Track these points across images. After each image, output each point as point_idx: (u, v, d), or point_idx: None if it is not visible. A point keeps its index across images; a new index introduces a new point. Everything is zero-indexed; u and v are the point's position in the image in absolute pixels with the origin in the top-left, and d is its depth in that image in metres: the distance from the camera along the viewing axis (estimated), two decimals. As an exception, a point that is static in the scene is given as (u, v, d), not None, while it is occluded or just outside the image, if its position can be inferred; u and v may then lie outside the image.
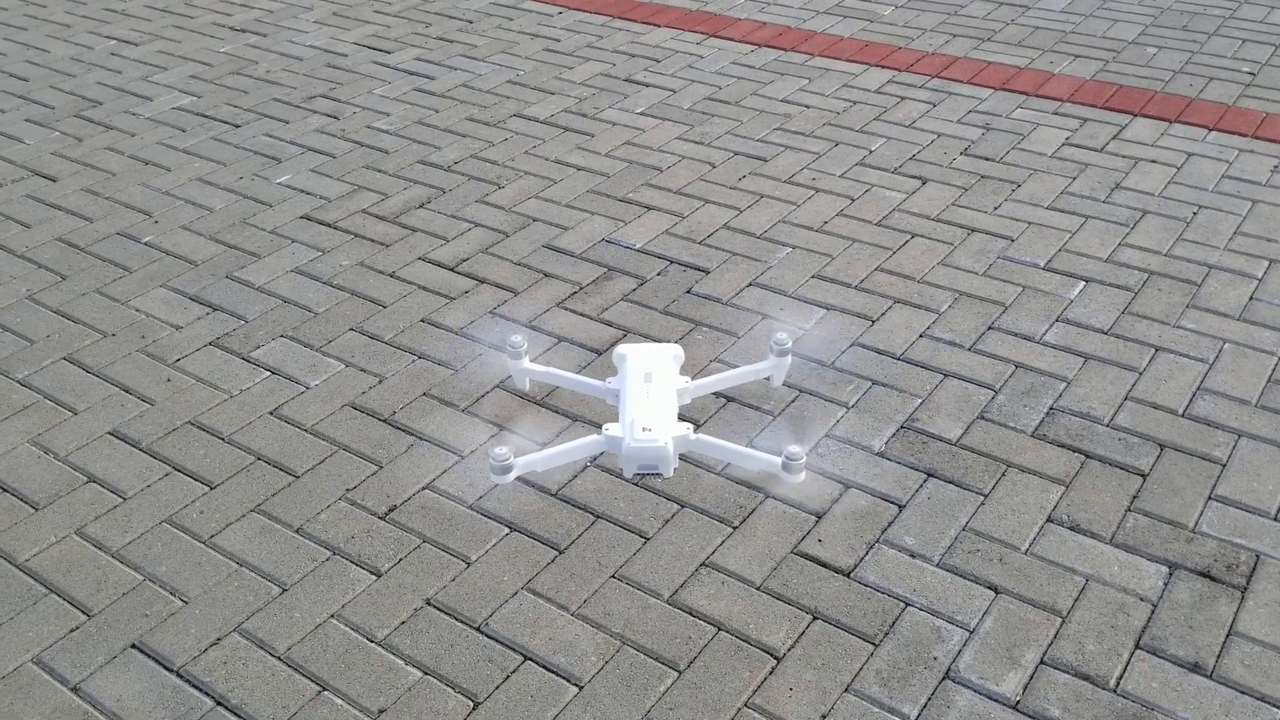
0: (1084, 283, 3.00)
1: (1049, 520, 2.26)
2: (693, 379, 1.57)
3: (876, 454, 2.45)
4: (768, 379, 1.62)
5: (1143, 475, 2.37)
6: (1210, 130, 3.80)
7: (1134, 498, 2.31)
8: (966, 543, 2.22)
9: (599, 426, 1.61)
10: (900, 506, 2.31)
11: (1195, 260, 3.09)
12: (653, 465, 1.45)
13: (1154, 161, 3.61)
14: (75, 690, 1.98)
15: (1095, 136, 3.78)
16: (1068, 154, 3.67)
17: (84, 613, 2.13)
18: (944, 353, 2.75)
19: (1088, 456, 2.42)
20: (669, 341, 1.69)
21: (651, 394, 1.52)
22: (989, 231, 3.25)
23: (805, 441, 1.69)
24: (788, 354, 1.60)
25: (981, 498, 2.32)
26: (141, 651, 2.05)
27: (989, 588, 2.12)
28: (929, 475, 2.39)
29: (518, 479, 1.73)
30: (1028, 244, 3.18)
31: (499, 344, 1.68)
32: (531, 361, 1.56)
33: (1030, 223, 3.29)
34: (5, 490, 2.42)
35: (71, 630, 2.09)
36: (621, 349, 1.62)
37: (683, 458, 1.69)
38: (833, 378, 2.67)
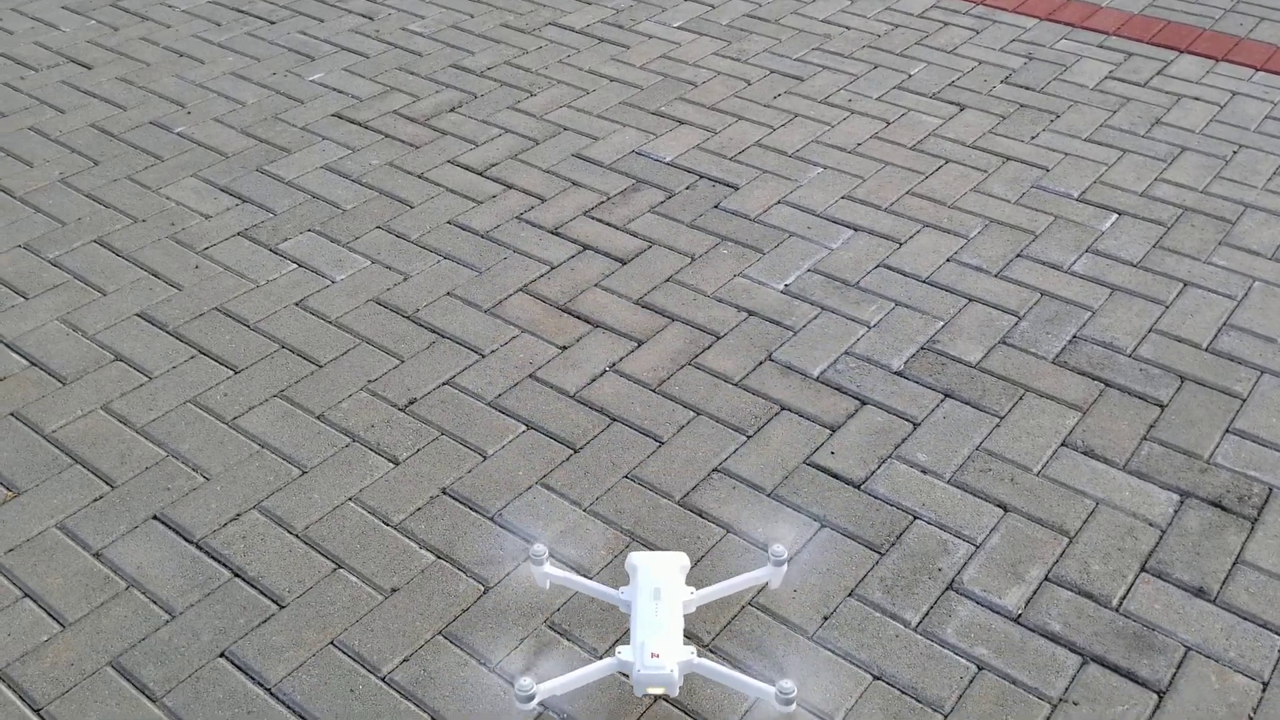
0: (1117, 215, 2.97)
1: (1063, 444, 2.27)
2: (696, 590, 1.82)
3: (895, 373, 2.45)
4: (767, 583, 1.81)
5: (1161, 406, 2.36)
6: (1257, 70, 3.72)
7: (1150, 427, 2.31)
8: (979, 462, 2.23)
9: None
10: (915, 424, 2.32)
11: (1231, 199, 3.04)
12: (660, 687, 1.66)
13: (1197, 99, 3.54)
14: (97, 556, 2.03)
15: (1139, 71, 3.71)
16: (1110, 87, 3.61)
17: (108, 483, 2.18)
18: (970, 278, 2.74)
19: (1107, 385, 2.41)
20: (675, 550, 1.95)
21: (660, 612, 1.68)
22: (1024, 160, 3.21)
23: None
24: (784, 564, 1.75)
25: (997, 420, 2.32)
26: (162, 523, 2.10)
27: (998, 506, 2.13)
28: (946, 395, 2.39)
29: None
30: (1062, 175, 3.14)
31: (523, 549, 1.89)
32: (552, 563, 1.80)
33: (1066, 154, 3.24)
34: (34, 364, 2.47)
35: (95, 499, 2.14)
36: (633, 559, 1.76)
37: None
38: (856, 297, 2.67)
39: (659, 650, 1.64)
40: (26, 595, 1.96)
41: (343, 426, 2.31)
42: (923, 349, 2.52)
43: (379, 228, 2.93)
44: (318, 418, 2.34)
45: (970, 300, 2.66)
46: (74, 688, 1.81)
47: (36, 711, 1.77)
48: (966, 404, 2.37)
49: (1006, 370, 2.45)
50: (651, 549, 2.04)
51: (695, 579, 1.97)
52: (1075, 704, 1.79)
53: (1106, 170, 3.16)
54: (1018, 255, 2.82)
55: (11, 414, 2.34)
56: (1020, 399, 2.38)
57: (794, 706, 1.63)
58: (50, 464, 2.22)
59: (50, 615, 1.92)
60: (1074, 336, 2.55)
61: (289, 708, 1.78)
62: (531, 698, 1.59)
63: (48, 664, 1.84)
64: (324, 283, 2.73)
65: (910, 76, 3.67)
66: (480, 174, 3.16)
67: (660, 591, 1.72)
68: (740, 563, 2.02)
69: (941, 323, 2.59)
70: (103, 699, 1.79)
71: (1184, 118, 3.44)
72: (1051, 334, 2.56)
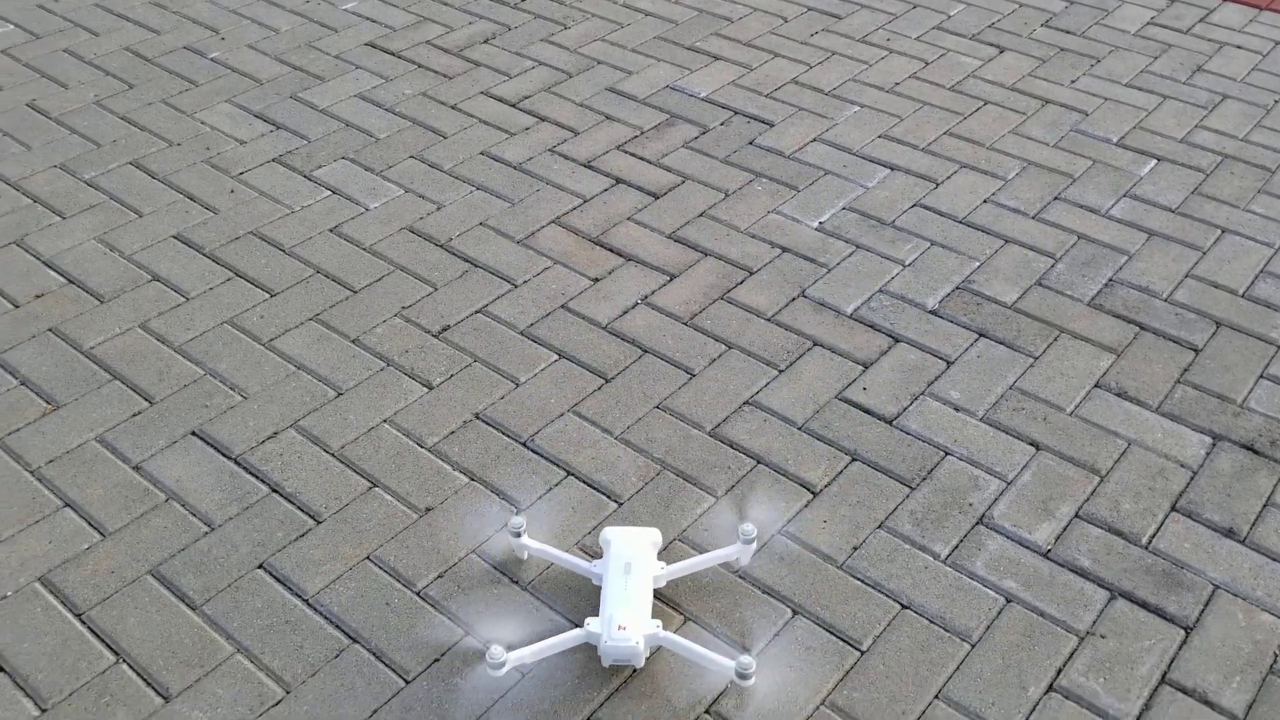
0: (1156, 161, 2.94)
1: (1097, 386, 2.26)
2: (667, 564, 1.83)
3: (929, 311, 2.44)
4: (735, 560, 1.81)
5: (1196, 350, 2.35)
6: (1305, 19, 3.65)
7: (1184, 371, 2.30)
8: (1012, 401, 2.23)
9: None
10: (948, 363, 2.32)
11: (1272, 147, 3.00)
12: (626, 660, 1.71)
13: (1240, 47, 3.48)
14: (137, 469, 2.06)
15: (1181, 18, 3.65)
16: (1151, 33, 3.55)
17: (146, 399, 2.20)
18: (1007, 219, 2.72)
19: (1142, 329, 2.40)
20: (649, 526, 1.98)
21: (629, 587, 1.73)
22: (1064, 104, 3.17)
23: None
24: (753, 543, 1.77)
25: (1031, 360, 2.32)
26: (201, 439, 2.12)
27: (1030, 444, 2.14)
28: (980, 335, 2.38)
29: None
30: (1102, 119, 3.10)
31: (502, 523, 1.92)
32: (529, 536, 1.90)
33: (1106, 98, 3.20)
34: (72, 282, 2.48)
35: (134, 415, 2.17)
36: (607, 533, 1.78)
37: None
38: (891, 235, 2.66)
39: (626, 623, 1.67)
40: (67, 505, 1.99)
41: (377, 351, 2.33)
42: (958, 288, 2.51)
43: (412, 157, 2.92)
44: (352, 341, 2.35)
45: (1007, 241, 2.65)
46: (115, 594, 1.84)
47: (79, 616, 1.81)
48: (1000, 344, 2.36)
49: (1042, 311, 2.44)
50: (682, 479, 2.06)
51: (719, 514, 1.99)
52: (1103, 637, 1.80)
53: (1146, 116, 3.12)
54: (1055, 198, 2.79)
55: (50, 330, 2.36)
56: (1055, 340, 2.37)
57: (752, 681, 1.66)
58: (89, 379, 2.25)
59: (90, 525, 1.96)
60: (1110, 280, 2.53)
61: (326, 618, 1.81)
62: (502, 665, 1.63)
63: (89, 571, 1.88)
64: (358, 210, 2.73)
65: (950, 17, 3.62)
66: (513, 106, 3.14)
67: (631, 566, 1.75)
68: (770, 493, 2.03)
69: (977, 263, 2.58)
70: (143, 605, 1.82)
71: (1225, 66, 3.38)
72: (1088, 277, 2.54)
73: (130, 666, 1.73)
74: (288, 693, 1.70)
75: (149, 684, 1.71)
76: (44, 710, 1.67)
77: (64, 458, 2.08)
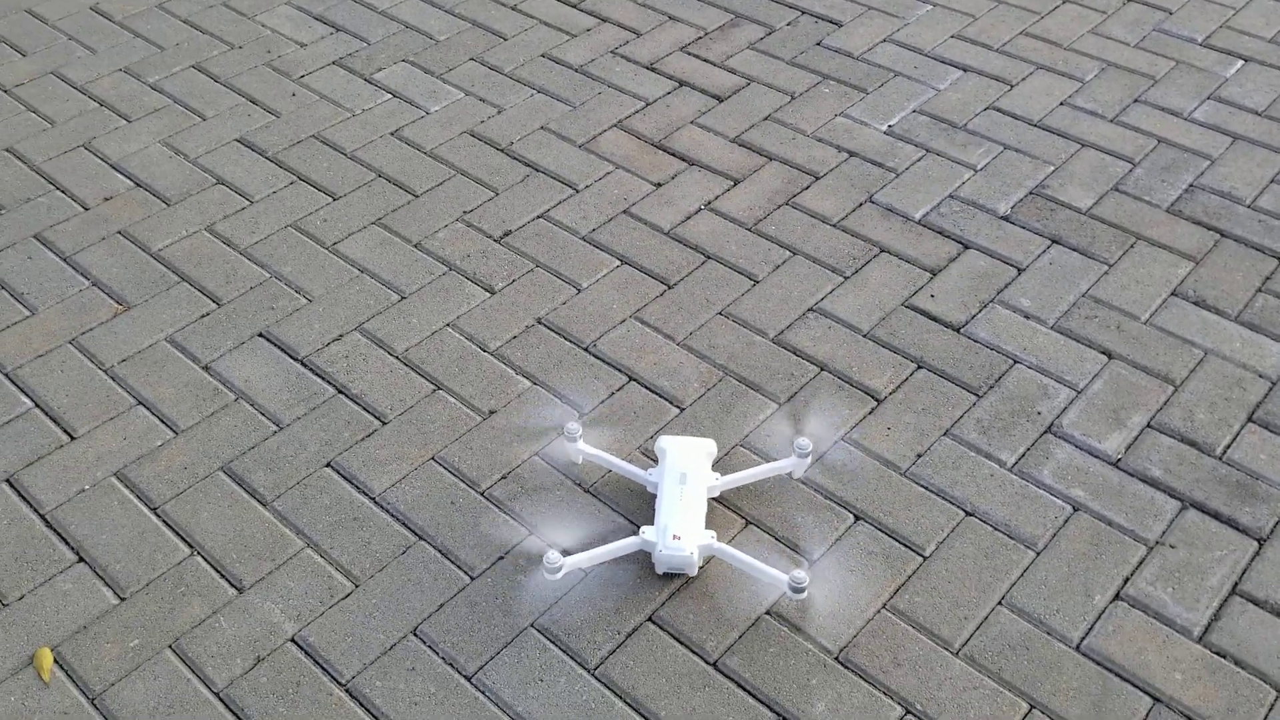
0: (1243, 62, 2.81)
1: (1173, 294, 2.20)
2: (721, 475, 1.83)
3: (1001, 217, 2.38)
4: (790, 473, 1.76)
5: (1279, 258, 2.27)
6: None
7: (1266, 279, 2.22)
8: (1084, 308, 2.17)
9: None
10: (1020, 270, 2.26)
11: (1371, 47, 2.86)
12: (679, 568, 1.71)
13: (1341, -60, 3.29)
14: (206, 368, 2.10)
15: (1278, -91, 3.45)
16: (1245, -74, 3.36)
17: (214, 301, 2.23)
18: (1084, 122, 2.63)
19: (1222, 235, 2.32)
20: (705, 437, 1.94)
21: (684, 496, 1.74)
22: (1146, 2, 3.03)
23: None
24: (808, 457, 1.75)
25: (1106, 267, 2.26)
26: (268, 340, 2.15)
27: (1102, 352, 2.09)
28: (1053, 241, 2.32)
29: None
30: (1187, 18, 2.96)
31: (559, 427, 1.92)
32: (585, 441, 1.90)
33: (1193, -4, 3.05)
34: (139, 185, 2.51)
35: (202, 316, 2.20)
36: (663, 442, 1.77)
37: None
38: (963, 139, 2.58)
39: (680, 533, 1.68)
40: (140, 403, 2.03)
41: (439, 255, 2.33)
42: (1031, 194, 2.44)
43: (472, 60, 2.89)
44: (415, 246, 2.35)
45: (1083, 145, 2.56)
46: (188, 489, 1.89)
47: (154, 510, 1.86)
48: (1074, 250, 2.30)
49: (1118, 218, 2.37)
50: (744, 385, 2.04)
51: (780, 421, 1.98)
52: (1172, 547, 1.77)
53: (1234, 15, 2.98)
54: (1135, 100, 2.69)
55: (119, 232, 2.39)
56: (1131, 247, 2.30)
57: (805, 595, 1.66)
58: (159, 280, 2.28)
59: (163, 422, 2.00)
60: (1190, 185, 2.44)
61: (392, 515, 1.84)
62: (559, 569, 1.65)
63: (162, 467, 1.92)
64: (418, 114, 2.71)
65: (1028, -88, 3.46)
66: (574, 7, 3.08)
67: (686, 476, 1.75)
68: (833, 400, 2.01)
69: (1052, 168, 2.50)
70: (215, 500, 1.87)
71: (1324, -40, 3.20)
72: (1167, 182, 2.45)
73: (204, 559, 1.78)
74: (356, 586, 1.74)
75: (222, 575, 1.76)
76: (123, 599, 1.73)
77: (135, 357, 2.12)
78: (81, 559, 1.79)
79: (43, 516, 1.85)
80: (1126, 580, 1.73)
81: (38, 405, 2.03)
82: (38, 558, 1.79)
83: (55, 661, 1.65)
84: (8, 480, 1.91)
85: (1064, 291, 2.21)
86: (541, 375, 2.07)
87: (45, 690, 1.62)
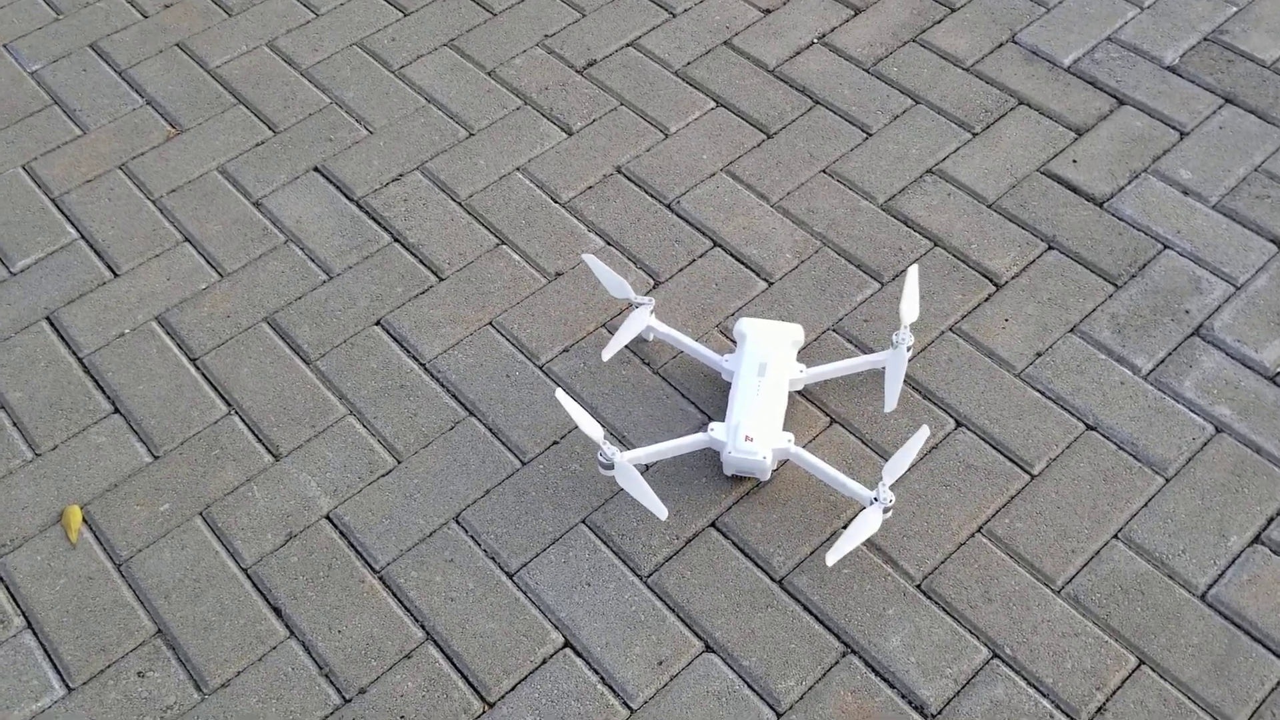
0: None
1: (1369, 174, 1.85)
2: (806, 367, 1.57)
3: (1166, 68, 2.02)
4: (884, 368, 1.45)
5: None
6: None
7: None
8: (1256, 185, 1.84)
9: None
10: (1182, 133, 1.93)
11: None
12: (750, 472, 1.49)
13: None
14: (257, 205, 1.94)
15: None
16: None
17: (270, 128, 2.05)
18: (1281, -47, 2.20)
19: None
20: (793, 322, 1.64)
21: (762, 390, 1.50)
22: None
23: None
24: (905, 350, 1.51)
25: (1288, 136, 1.91)
26: (323, 175, 1.97)
27: (1272, 241, 1.77)
28: (1226, 101, 1.97)
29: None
30: None
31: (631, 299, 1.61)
32: (656, 317, 1.68)
33: None
34: (198, -8, 2.30)
35: (257, 144, 2.02)
36: (743, 325, 1.51)
37: None
38: (1130, -31, 2.19)
39: (754, 433, 1.47)
40: (186, 239, 1.89)
41: (514, 86, 2.09)
42: (1206, 40, 2.06)
43: None
44: (488, 74, 2.11)
45: (1278, -17, 2.15)
46: (229, 340, 1.76)
47: (193, 361, 1.74)
48: (1251, 113, 1.94)
49: (1311, 75, 1.99)
50: (844, 258, 1.80)
51: (882, 304, 1.74)
52: (1330, 487, 1.52)
53: None
54: (1350, -72, 2.24)
55: (177, 44, 2.21)
56: (1323, 113, 1.94)
57: (889, 514, 1.44)
58: (214, 102, 2.10)
59: (209, 263, 1.86)
60: None
61: (442, 385, 1.68)
62: (612, 466, 1.44)
63: (205, 313, 1.79)
64: (504, -83, 2.41)
65: None
66: None
67: (766, 367, 1.52)
68: (945, 282, 1.76)
69: (1234, 9, 2.11)
70: (257, 355, 1.74)
71: None
72: (1378, 33, 2.05)
73: (241, 419, 1.66)
74: (399, 462, 1.60)
75: (259, 439, 1.64)
76: (156, 458, 1.63)
77: (185, 188, 1.97)
78: (117, 409, 1.69)
79: (80, 360, 1.75)
80: (1270, 521, 1.49)
81: (83, 236, 1.91)
82: (73, 405, 1.69)
83: (84, 521, 1.57)
84: (48, 318, 1.80)
85: (1233, 163, 1.88)
86: (616, 234, 1.85)
87: (72, 551, 1.54)
